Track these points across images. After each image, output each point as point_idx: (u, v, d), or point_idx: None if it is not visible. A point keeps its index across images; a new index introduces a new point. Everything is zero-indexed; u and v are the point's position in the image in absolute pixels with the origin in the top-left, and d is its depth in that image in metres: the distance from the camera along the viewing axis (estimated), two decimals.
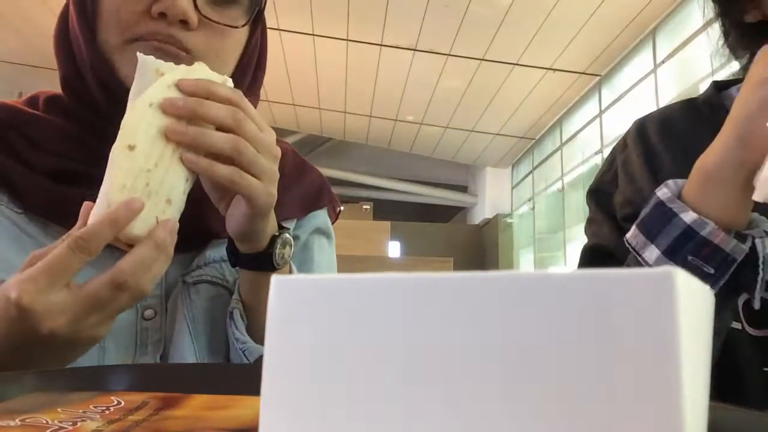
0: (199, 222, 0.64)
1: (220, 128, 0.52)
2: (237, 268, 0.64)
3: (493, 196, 9.68)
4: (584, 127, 6.83)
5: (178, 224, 0.51)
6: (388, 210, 9.66)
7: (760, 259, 0.52)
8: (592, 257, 0.72)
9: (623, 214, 0.70)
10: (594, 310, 0.16)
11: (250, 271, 0.61)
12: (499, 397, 0.17)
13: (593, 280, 0.17)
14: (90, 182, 0.61)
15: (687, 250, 0.52)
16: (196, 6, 0.58)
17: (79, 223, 0.49)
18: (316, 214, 0.77)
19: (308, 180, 0.78)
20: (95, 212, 0.48)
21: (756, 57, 0.53)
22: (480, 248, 9.80)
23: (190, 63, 0.55)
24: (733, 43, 0.70)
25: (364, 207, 8.38)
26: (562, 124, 7.47)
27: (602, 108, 6.41)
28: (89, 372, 0.48)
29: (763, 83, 0.50)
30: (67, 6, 0.65)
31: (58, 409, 0.29)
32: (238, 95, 0.54)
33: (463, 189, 10.69)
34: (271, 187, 0.55)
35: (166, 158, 0.50)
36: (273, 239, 0.60)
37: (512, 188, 9.50)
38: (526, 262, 8.56)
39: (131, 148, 0.48)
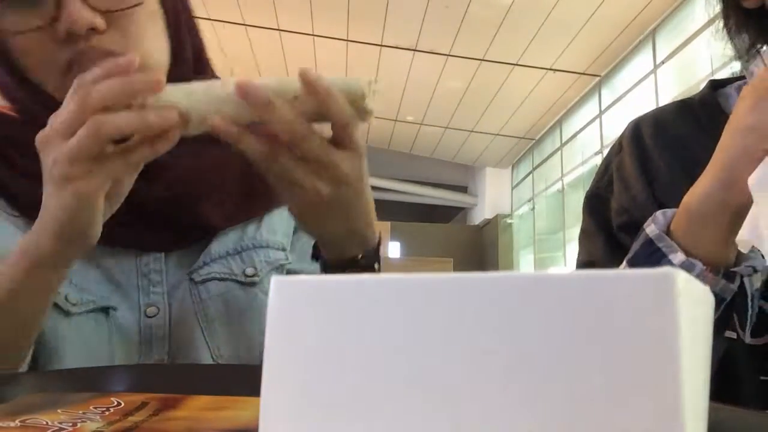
0: (196, 217, 0.64)
1: None
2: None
3: (493, 197, 9.69)
4: (584, 127, 6.84)
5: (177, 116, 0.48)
6: (388, 210, 9.66)
7: (749, 297, 0.52)
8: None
9: (619, 222, 0.69)
10: (594, 310, 0.16)
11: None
12: (500, 398, 0.17)
13: (593, 280, 0.17)
14: None
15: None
16: (90, 7, 0.54)
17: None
18: None
19: None
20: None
21: (737, 100, 0.53)
22: (480, 249, 9.80)
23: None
24: (733, 27, 0.70)
25: None
26: (562, 124, 7.47)
27: (602, 108, 6.42)
28: (89, 373, 0.49)
29: (745, 131, 0.50)
30: None
31: (58, 410, 0.29)
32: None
33: (463, 189, 10.69)
34: (345, 189, 0.52)
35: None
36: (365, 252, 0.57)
37: (512, 189, 9.50)
38: (526, 263, 8.56)
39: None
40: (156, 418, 0.29)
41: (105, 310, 0.61)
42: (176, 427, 0.28)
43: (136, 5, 0.57)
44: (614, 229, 0.70)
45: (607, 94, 6.32)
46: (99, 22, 0.54)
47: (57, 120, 0.47)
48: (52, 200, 0.48)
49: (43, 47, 0.55)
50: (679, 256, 0.52)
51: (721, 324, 0.52)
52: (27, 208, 0.61)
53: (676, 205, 0.57)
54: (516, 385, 0.17)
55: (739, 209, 0.49)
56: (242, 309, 0.65)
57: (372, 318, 0.18)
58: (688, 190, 0.59)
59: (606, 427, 0.16)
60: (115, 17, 0.56)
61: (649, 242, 0.55)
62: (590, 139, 6.65)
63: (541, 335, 0.17)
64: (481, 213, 9.99)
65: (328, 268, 0.58)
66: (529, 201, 8.58)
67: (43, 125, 0.53)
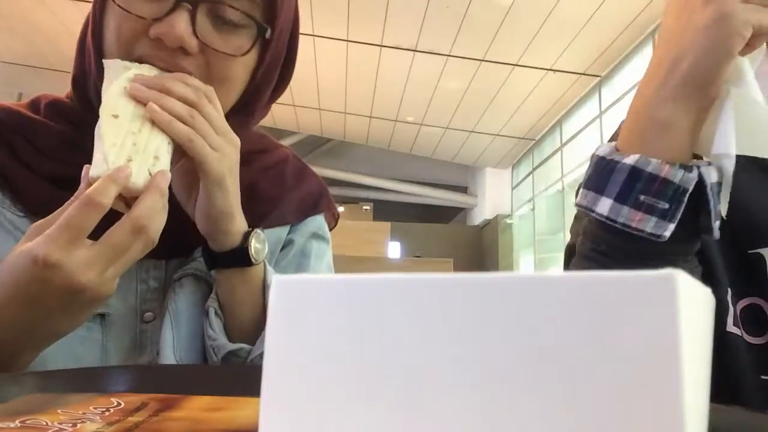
0: (186, 234, 0.64)
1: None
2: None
3: (493, 197, 9.68)
4: (584, 128, 6.83)
5: (170, 174, 0.54)
6: (388, 211, 9.66)
7: (708, 188, 0.51)
8: (570, 255, 0.71)
9: None
10: (594, 311, 0.16)
11: (227, 269, 0.63)
12: (500, 398, 0.17)
13: (594, 282, 0.16)
14: None
15: (637, 190, 0.51)
16: (195, 31, 0.57)
17: (82, 185, 0.51)
18: (312, 218, 0.77)
19: (308, 186, 0.78)
20: (94, 167, 0.51)
21: (666, 6, 0.53)
22: (480, 249, 9.80)
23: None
24: None
25: (364, 208, 8.39)
26: (562, 124, 7.47)
27: (602, 109, 6.42)
28: (89, 373, 0.49)
29: (708, 25, 0.49)
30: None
31: (58, 411, 0.29)
32: (197, 96, 0.57)
33: (463, 190, 10.69)
34: (223, 160, 0.58)
35: (146, 127, 0.55)
36: (246, 235, 0.62)
37: (512, 189, 9.50)
38: (526, 264, 8.56)
39: (115, 116, 0.54)
40: (156, 418, 0.29)
41: (101, 314, 0.62)
42: (176, 427, 0.28)
43: (232, 54, 0.60)
44: None
45: (608, 95, 6.32)
46: (192, 45, 0.58)
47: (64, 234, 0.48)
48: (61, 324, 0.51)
49: (132, 30, 0.58)
50: (632, 157, 0.52)
51: (689, 223, 0.52)
52: (32, 204, 0.61)
53: None
54: (516, 386, 0.17)
55: (704, 112, 0.50)
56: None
57: (372, 318, 0.18)
58: None
59: (606, 427, 0.16)
60: (207, 49, 0.59)
61: (601, 158, 0.54)
62: (590, 140, 6.65)
63: (542, 336, 0.17)
64: (481, 213, 9.99)
65: (228, 257, 0.62)
66: (529, 201, 8.58)
67: (70, 138, 0.61)
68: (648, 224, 0.51)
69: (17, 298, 0.47)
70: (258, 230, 0.63)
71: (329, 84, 7.02)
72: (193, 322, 0.64)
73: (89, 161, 0.62)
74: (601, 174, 0.54)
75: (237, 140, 0.60)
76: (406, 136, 8.70)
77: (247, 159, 0.66)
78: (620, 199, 0.52)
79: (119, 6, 0.57)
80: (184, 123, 0.56)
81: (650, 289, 0.16)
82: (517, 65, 6.20)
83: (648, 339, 0.15)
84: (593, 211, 0.54)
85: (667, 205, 0.51)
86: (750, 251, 0.63)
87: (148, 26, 0.57)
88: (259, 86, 0.66)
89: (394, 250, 8.39)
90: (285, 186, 0.75)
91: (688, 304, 0.16)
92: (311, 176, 0.80)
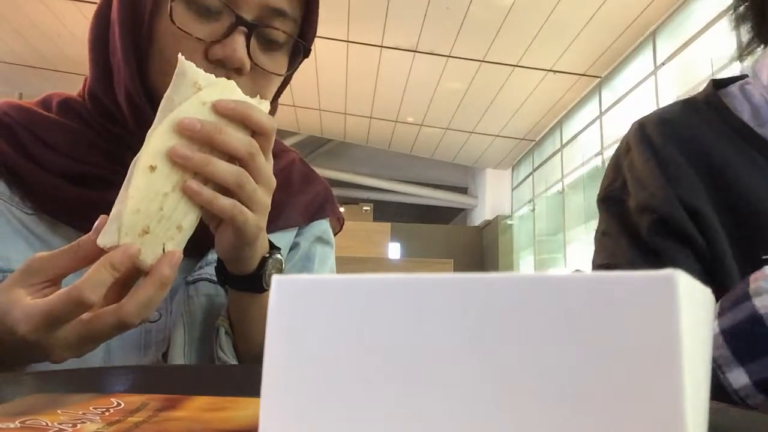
0: (206, 227, 0.64)
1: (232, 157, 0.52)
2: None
3: (493, 198, 9.69)
4: (584, 128, 6.84)
5: (182, 256, 0.50)
6: (388, 211, 9.67)
7: None
8: None
9: (647, 222, 0.67)
10: (595, 312, 0.16)
11: (239, 291, 0.61)
12: (500, 398, 0.17)
13: (595, 282, 0.16)
14: (101, 185, 0.61)
15: None
16: (249, 52, 0.60)
17: (91, 234, 0.48)
18: (318, 222, 0.78)
19: (314, 190, 0.79)
20: (106, 234, 0.47)
21: None
22: (480, 250, 9.80)
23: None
24: (743, 11, 0.70)
25: (365, 208, 8.38)
26: (562, 125, 7.47)
27: (602, 110, 6.42)
28: (89, 373, 0.48)
29: None
30: (102, 7, 0.64)
31: (58, 411, 0.29)
32: (270, 122, 0.53)
33: (463, 190, 10.69)
34: (261, 220, 0.54)
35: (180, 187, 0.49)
36: (263, 261, 0.58)
37: (512, 190, 9.50)
38: (526, 264, 8.56)
39: (152, 168, 0.48)
40: (156, 418, 0.29)
41: None
42: (176, 427, 0.28)
43: (278, 74, 0.64)
44: (641, 229, 0.68)
45: (608, 96, 6.32)
46: (247, 67, 0.60)
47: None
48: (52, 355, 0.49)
49: (190, 50, 0.58)
50: None
51: None
52: (43, 201, 0.61)
53: (699, 201, 0.55)
54: (516, 386, 0.17)
55: None
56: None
57: (372, 318, 0.18)
58: (704, 186, 0.57)
59: (607, 427, 0.16)
60: (253, 69, 0.61)
61: (758, 320, 0.46)
62: (590, 141, 6.65)
63: (542, 337, 0.17)
64: (482, 214, 9.99)
65: (241, 281, 0.59)
66: (530, 202, 8.58)
67: (82, 135, 0.60)
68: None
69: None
70: (277, 255, 0.60)
71: (329, 84, 7.03)
72: (207, 328, 0.64)
73: (101, 158, 0.63)
74: (753, 343, 0.46)
75: (274, 183, 0.55)
76: (406, 137, 8.70)
77: None
78: (762, 388, 0.46)
79: (180, 29, 0.58)
80: (231, 192, 0.51)
81: (650, 289, 0.16)
82: (517, 66, 6.21)
83: (648, 339, 0.15)
84: (723, 374, 0.47)
85: None
86: (765, 256, 0.61)
87: (204, 47, 0.59)
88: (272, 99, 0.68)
89: (394, 250, 8.39)
90: (292, 190, 0.76)
91: (688, 304, 0.16)
92: (317, 180, 0.81)
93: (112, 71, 0.63)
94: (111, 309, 0.47)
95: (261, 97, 0.57)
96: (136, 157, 0.48)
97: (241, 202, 0.52)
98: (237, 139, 0.51)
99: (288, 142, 8.00)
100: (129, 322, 0.46)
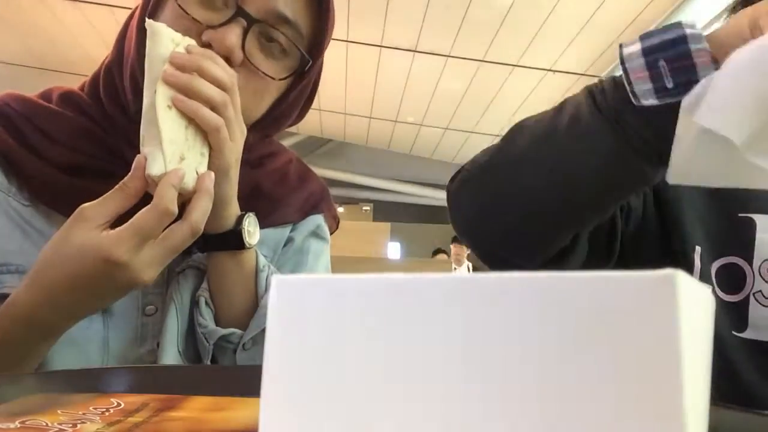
0: None
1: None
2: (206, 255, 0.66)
3: None
4: None
5: (214, 175, 0.57)
6: (388, 211, 9.65)
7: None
8: None
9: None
10: (594, 311, 0.16)
11: (219, 252, 0.63)
12: (500, 398, 0.17)
13: (594, 282, 0.16)
14: (99, 176, 0.61)
15: (665, 54, 0.49)
16: (243, 45, 0.61)
17: (134, 172, 0.53)
18: (312, 217, 0.78)
19: (310, 188, 0.80)
20: (153, 165, 0.53)
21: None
22: None
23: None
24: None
25: (364, 208, 8.39)
26: None
27: None
28: (89, 373, 0.49)
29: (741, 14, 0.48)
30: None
31: (58, 411, 0.29)
32: (230, 78, 0.58)
33: None
34: (234, 150, 0.59)
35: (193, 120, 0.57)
36: (240, 219, 0.62)
37: None
38: None
39: (170, 107, 0.55)
40: (156, 418, 0.29)
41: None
42: (176, 427, 0.28)
43: (270, 77, 0.64)
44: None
45: None
46: (237, 58, 0.61)
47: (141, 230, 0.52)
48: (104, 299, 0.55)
49: (185, 29, 0.60)
50: (695, 30, 0.49)
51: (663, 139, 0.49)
52: (40, 192, 0.62)
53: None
54: (516, 386, 0.17)
55: None
56: None
57: (372, 318, 0.18)
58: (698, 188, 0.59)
59: (607, 427, 0.16)
60: (247, 66, 0.62)
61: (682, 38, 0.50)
62: None
63: (541, 336, 0.17)
64: None
65: (221, 239, 0.63)
66: None
67: (82, 127, 0.62)
68: (642, 85, 0.50)
69: (79, 287, 0.51)
70: (250, 214, 0.64)
71: (329, 84, 7.02)
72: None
73: (100, 150, 0.63)
74: (661, 30, 0.51)
75: (245, 129, 0.61)
76: (406, 137, 8.69)
77: (258, 163, 0.68)
78: (646, 52, 0.50)
79: (179, 6, 0.60)
80: (216, 110, 0.57)
81: (650, 289, 0.16)
82: (517, 66, 6.20)
83: (648, 339, 0.15)
84: (621, 48, 0.52)
85: (671, 85, 0.49)
86: (740, 214, 0.64)
87: (201, 30, 0.60)
88: (285, 111, 0.69)
89: (393, 250, 8.39)
90: (288, 186, 0.76)
91: (688, 304, 0.16)
92: (314, 179, 0.82)
93: (123, 57, 0.64)
94: (181, 222, 0.54)
95: (250, 98, 0.62)
96: (144, 107, 0.54)
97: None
98: (221, 69, 0.57)
99: (287, 142, 8.01)
100: (198, 228, 0.54)
